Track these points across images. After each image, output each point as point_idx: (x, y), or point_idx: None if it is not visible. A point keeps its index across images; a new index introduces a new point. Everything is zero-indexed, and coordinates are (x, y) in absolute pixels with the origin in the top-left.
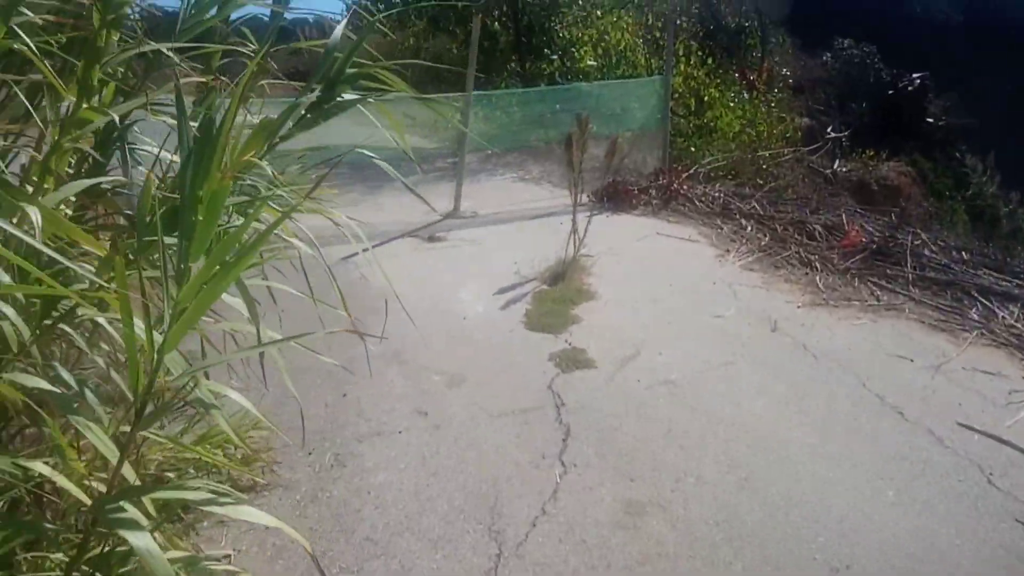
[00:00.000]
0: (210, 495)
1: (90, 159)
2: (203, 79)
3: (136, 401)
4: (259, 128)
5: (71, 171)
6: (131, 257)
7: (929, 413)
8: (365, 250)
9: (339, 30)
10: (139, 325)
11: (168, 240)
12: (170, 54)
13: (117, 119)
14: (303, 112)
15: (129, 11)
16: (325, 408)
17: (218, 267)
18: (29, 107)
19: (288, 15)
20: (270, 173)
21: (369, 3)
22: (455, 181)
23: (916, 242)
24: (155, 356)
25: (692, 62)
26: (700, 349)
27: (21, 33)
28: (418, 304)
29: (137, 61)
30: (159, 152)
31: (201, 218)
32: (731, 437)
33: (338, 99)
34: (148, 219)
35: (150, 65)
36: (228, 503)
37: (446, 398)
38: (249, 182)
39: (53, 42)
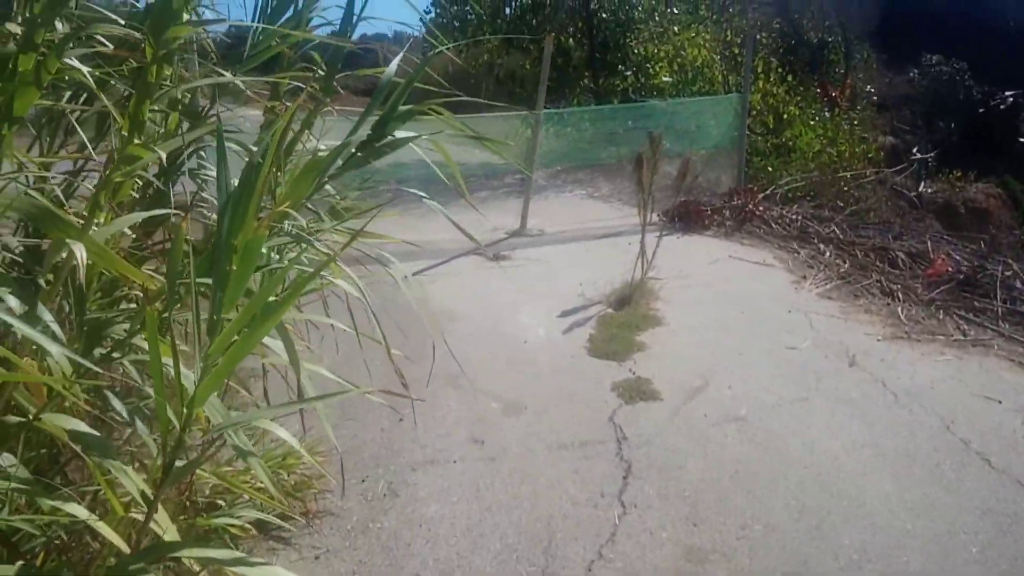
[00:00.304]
0: (238, 555)
1: (153, 186)
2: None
3: (163, 457)
4: (305, 170)
5: (136, 195)
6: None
7: (1018, 462)
8: (416, 273)
9: (394, 64)
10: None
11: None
12: (238, 82)
13: (163, 157)
14: (353, 151)
15: (203, 33)
16: (381, 433)
17: (254, 316)
18: (85, 139)
19: (368, 30)
20: (309, 219)
21: (444, 20)
22: (523, 198)
23: (1007, 272)
24: (184, 411)
25: (772, 79)
26: (772, 383)
27: (78, 64)
28: (479, 325)
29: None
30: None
31: (235, 267)
32: (803, 480)
33: (389, 137)
34: (181, 267)
35: (220, 89)
36: (258, 563)
37: (503, 426)
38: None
39: (115, 73)
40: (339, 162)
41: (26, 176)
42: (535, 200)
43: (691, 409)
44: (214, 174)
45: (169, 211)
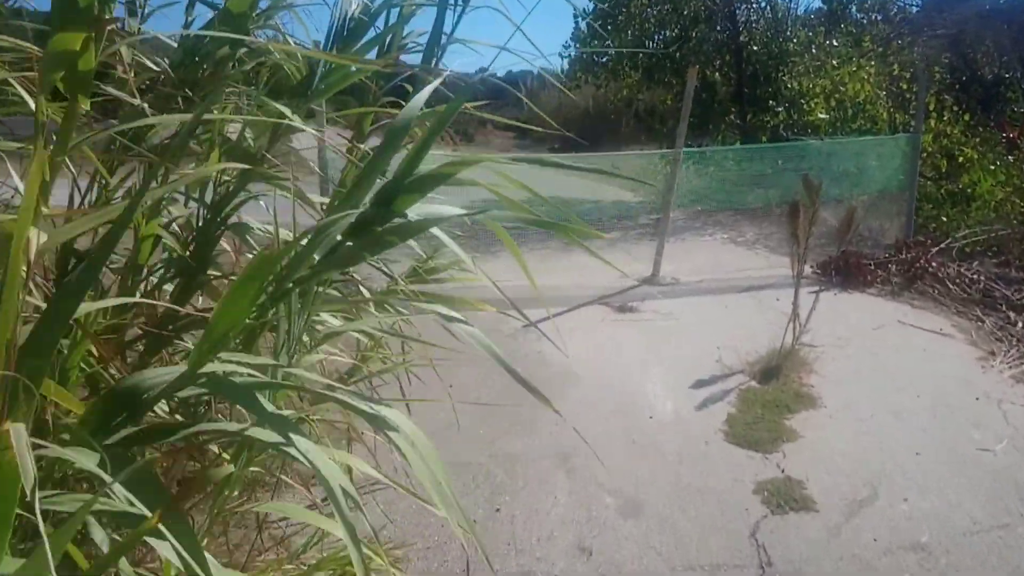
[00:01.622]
0: None
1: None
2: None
3: None
4: (244, 281)
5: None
6: None
7: None
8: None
9: (423, 95)
10: None
11: None
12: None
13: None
14: (339, 240)
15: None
16: (472, 525)
17: None
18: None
19: (514, 67)
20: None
21: (584, 55)
22: (657, 241)
23: None
24: None
25: (946, 117)
26: (961, 498)
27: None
28: (597, 392)
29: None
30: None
31: None
32: None
33: (397, 220)
34: None
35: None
36: None
37: (617, 532)
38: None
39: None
40: (315, 257)
41: None
42: (671, 244)
43: (856, 528)
44: (260, 228)
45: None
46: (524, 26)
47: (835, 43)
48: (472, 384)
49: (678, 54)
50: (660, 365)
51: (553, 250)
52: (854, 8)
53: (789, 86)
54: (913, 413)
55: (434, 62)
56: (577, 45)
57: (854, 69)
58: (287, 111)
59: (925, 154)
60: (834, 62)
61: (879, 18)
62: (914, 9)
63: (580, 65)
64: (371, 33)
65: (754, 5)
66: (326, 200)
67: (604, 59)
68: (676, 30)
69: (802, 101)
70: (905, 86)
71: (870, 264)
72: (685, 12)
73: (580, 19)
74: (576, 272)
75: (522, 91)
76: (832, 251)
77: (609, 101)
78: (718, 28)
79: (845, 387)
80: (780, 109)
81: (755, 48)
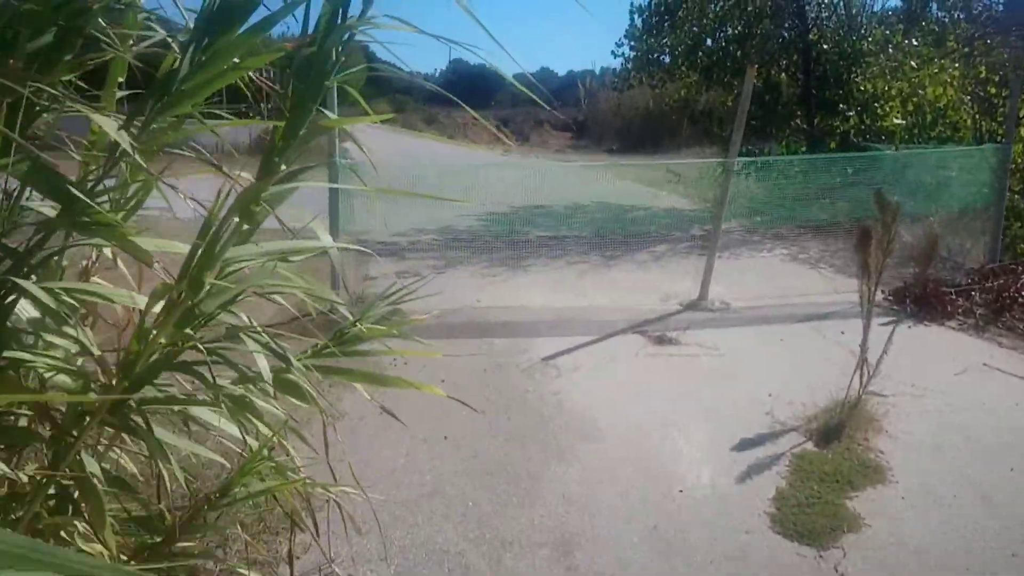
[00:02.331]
0: None
1: None
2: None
3: None
4: None
5: None
6: None
7: None
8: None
9: None
10: None
11: None
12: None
13: None
14: None
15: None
16: None
17: None
18: None
19: (575, 67)
20: None
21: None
22: (706, 259)
23: None
24: None
25: None
26: None
27: None
28: (619, 451)
29: None
30: None
31: None
32: None
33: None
34: None
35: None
36: None
37: None
38: None
39: None
40: None
41: None
42: (723, 260)
43: None
44: None
45: None
46: (578, 23)
47: (914, 42)
48: (471, 435)
49: (739, 53)
50: (698, 417)
51: (593, 264)
52: (935, 5)
53: (862, 88)
54: (1011, 496)
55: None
56: (632, 43)
57: (935, 71)
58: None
59: (1015, 166)
60: (913, 63)
61: (961, 16)
62: (1000, 7)
63: (636, 64)
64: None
65: (825, 1)
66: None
67: (660, 57)
68: (739, 27)
69: (876, 105)
70: (993, 90)
71: (950, 292)
72: (749, 8)
73: (635, 15)
74: (614, 291)
75: (581, 91)
76: (907, 273)
77: (666, 102)
78: (785, 25)
79: (921, 455)
80: (851, 113)
81: (825, 47)
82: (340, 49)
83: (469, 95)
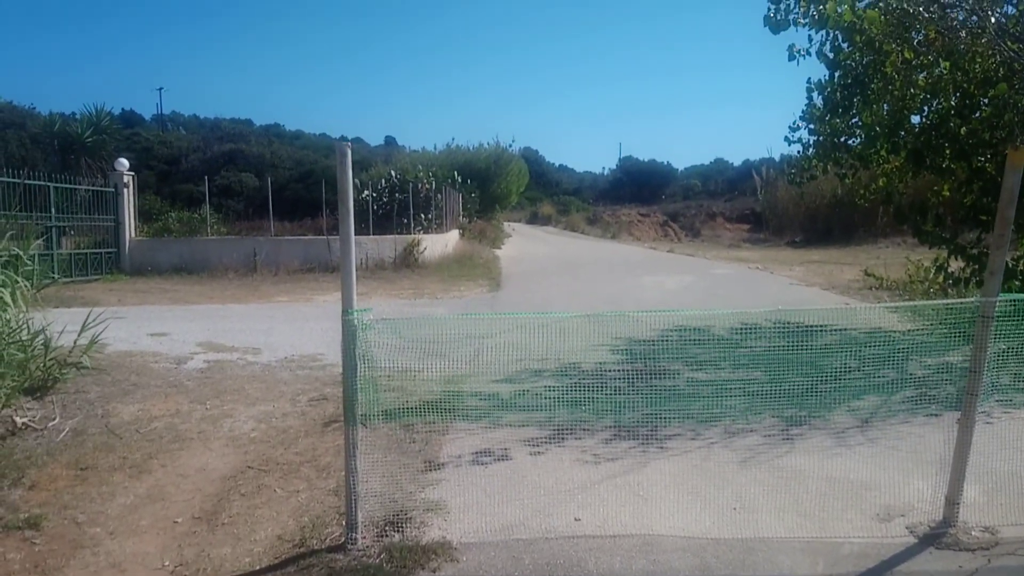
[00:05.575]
0: None
1: None
2: None
3: None
4: None
5: None
6: None
7: None
8: None
9: None
10: None
11: None
12: None
13: None
14: None
15: None
16: None
17: None
18: None
19: (752, 156)
20: None
21: (820, 137)
22: (956, 435)
23: None
24: None
25: None
26: None
27: None
28: None
29: None
30: None
31: None
32: None
33: None
34: None
35: None
36: None
37: None
38: None
39: None
40: None
41: None
42: (987, 434)
43: None
44: None
45: None
46: (756, 108)
47: None
48: None
49: (962, 130)
50: None
51: (766, 439)
52: None
53: None
54: None
55: None
56: (811, 126)
57: None
58: None
59: None
60: None
61: None
62: None
63: (817, 149)
64: None
65: None
66: None
67: (848, 141)
68: (956, 96)
69: None
70: None
71: None
72: (970, 71)
73: (814, 93)
74: (799, 500)
75: (757, 181)
76: None
77: (861, 194)
78: None
79: None
80: None
81: None
82: None
83: (638, 191)
